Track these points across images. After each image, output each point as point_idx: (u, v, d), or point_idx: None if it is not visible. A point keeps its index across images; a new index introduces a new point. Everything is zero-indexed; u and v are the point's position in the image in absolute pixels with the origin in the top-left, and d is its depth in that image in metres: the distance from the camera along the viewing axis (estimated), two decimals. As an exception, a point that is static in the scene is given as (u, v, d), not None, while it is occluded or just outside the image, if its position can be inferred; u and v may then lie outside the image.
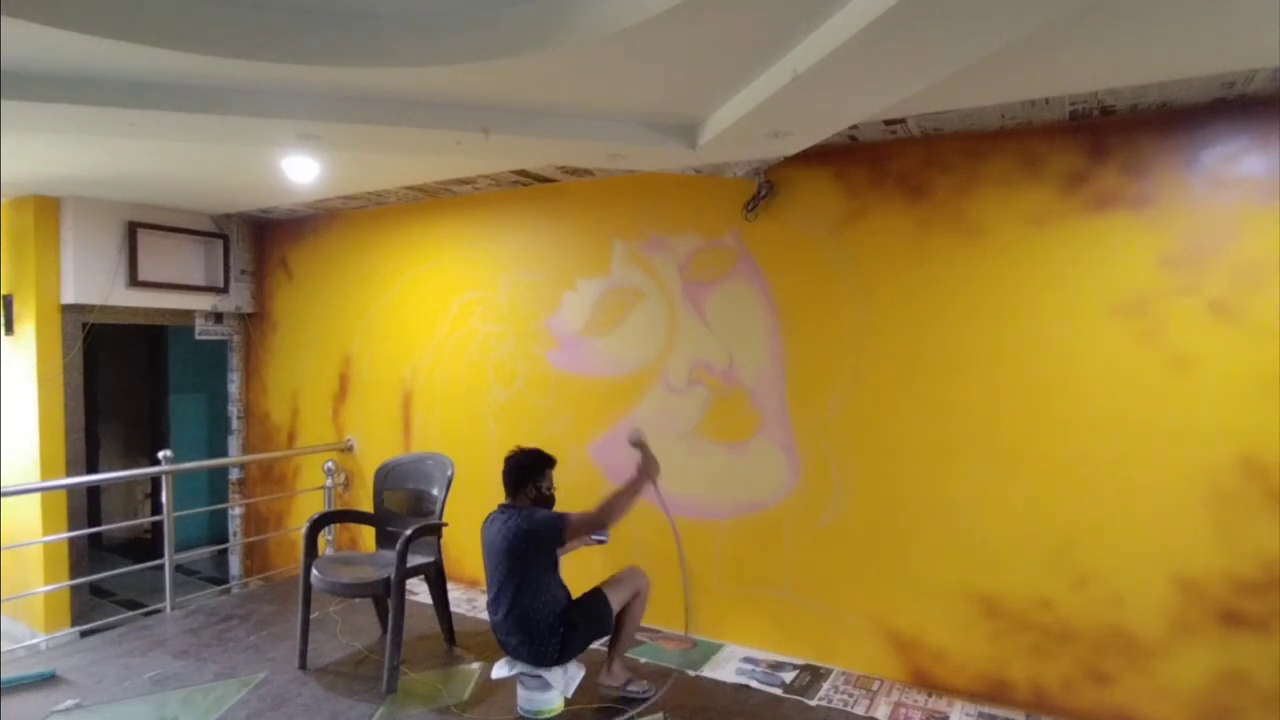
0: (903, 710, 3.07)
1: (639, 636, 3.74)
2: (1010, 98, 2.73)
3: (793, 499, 3.57)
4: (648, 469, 2.94)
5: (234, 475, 5.92)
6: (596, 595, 3.00)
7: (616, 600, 3.02)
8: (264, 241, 5.74)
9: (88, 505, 5.29)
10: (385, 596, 3.31)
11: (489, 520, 3.05)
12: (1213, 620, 2.75)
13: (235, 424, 5.87)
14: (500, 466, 4.48)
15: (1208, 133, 2.75)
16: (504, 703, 3.05)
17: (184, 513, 4.71)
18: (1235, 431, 2.70)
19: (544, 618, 2.85)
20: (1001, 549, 3.10)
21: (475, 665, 3.42)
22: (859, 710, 3.05)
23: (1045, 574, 3.02)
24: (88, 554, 5.09)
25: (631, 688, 3.11)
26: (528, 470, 3.04)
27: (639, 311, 3.93)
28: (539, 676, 2.90)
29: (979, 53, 2.03)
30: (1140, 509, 2.86)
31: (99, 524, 6.10)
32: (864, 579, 3.41)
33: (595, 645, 3.07)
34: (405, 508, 3.71)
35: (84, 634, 4.29)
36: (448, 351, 4.73)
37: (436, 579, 3.53)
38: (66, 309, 4.77)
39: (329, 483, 5.04)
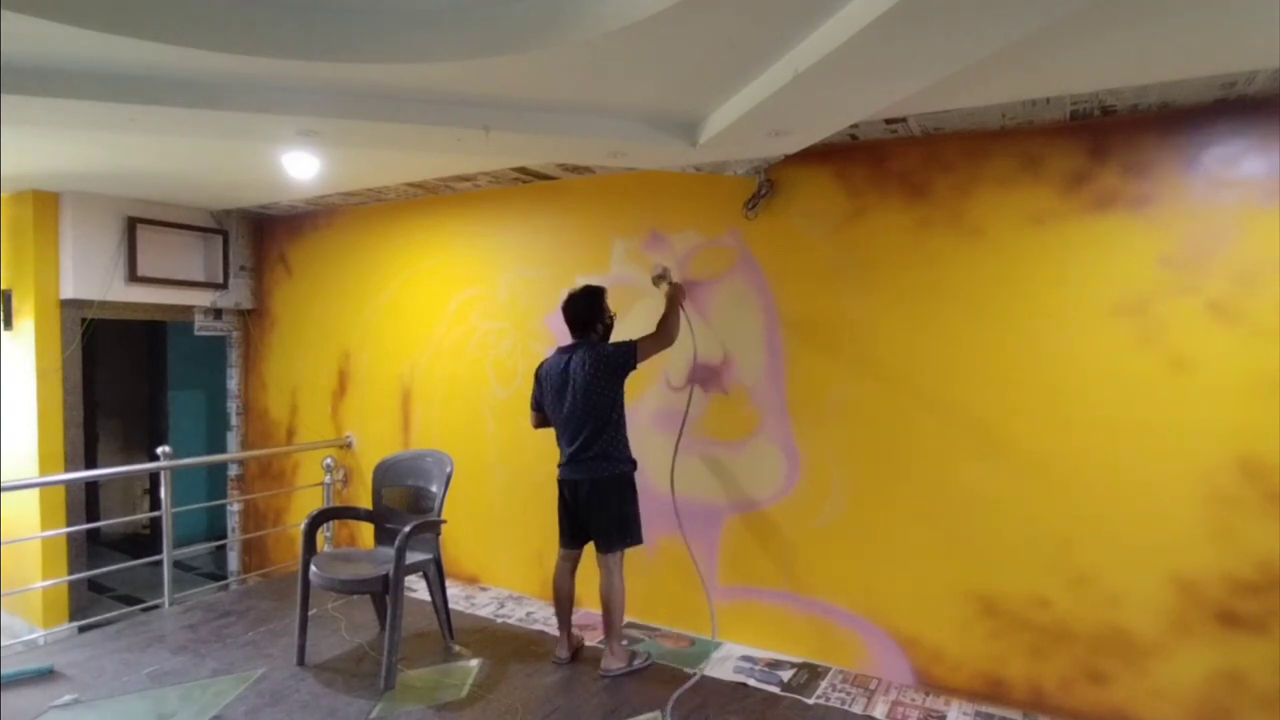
0: (900, 709, 3.07)
1: (634, 634, 3.75)
2: (1011, 97, 2.73)
3: (791, 498, 3.57)
4: (677, 294, 3.49)
5: (233, 471, 5.92)
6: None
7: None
8: (263, 238, 5.74)
9: (86, 501, 5.30)
10: (384, 593, 3.32)
11: (550, 363, 3.39)
12: (1210, 621, 2.75)
13: (234, 420, 5.87)
14: (500, 464, 4.50)
15: (1208, 133, 2.75)
16: (502, 700, 3.05)
17: (182, 508, 4.71)
18: (1234, 432, 2.70)
19: (621, 461, 3.28)
20: (1000, 548, 3.10)
21: (474, 662, 3.42)
22: (857, 709, 3.06)
23: (1043, 573, 3.02)
24: (86, 549, 5.09)
25: (635, 663, 3.35)
26: (594, 306, 3.38)
27: (638, 309, 3.92)
28: None
29: (980, 52, 2.03)
30: (1139, 509, 2.86)
31: (98, 519, 6.09)
32: (862, 578, 3.41)
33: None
34: (404, 504, 3.71)
35: (82, 629, 4.29)
36: (447, 348, 4.73)
37: (435, 576, 3.53)
38: (65, 304, 4.77)
39: (328, 479, 5.04)
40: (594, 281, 3.47)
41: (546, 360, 3.43)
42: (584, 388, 3.22)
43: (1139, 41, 2.23)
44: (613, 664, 3.28)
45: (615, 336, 3.43)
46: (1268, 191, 2.65)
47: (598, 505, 3.26)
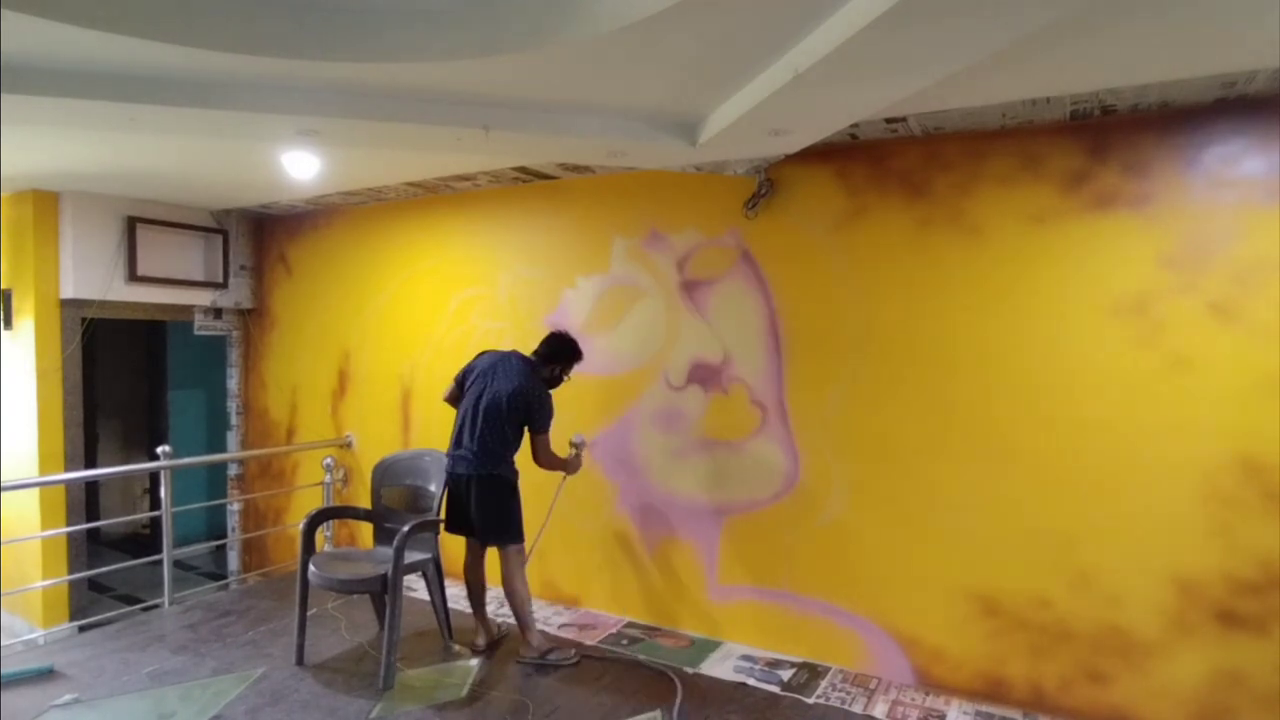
0: (900, 708, 3.07)
1: (635, 633, 3.75)
2: (1011, 97, 2.73)
3: (792, 497, 3.57)
4: (572, 465, 3.54)
5: (233, 471, 5.92)
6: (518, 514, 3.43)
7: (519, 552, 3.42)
8: (263, 237, 5.74)
9: (86, 500, 5.29)
10: (383, 593, 3.31)
11: (494, 356, 3.44)
12: (1210, 620, 2.75)
13: (234, 420, 5.87)
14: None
15: (1208, 133, 2.75)
16: (502, 699, 3.05)
17: (182, 508, 4.71)
18: (1234, 432, 2.70)
19: (504, 464, 3.34)
20: (1000, 548, 3.10)
21: (473, 662, 3.42)
22: (857, 708, 3.06)
23: (1044, 573, 3.02)
24: (86, 549, 5.09)
25: (552, 655, 3.38)
26: (565, 355, 3.47)
27: (639, 309, 3.93)
28: None
29: (980, 52, 2.03)
30: (1139, 509, 2.86)
31: (98, 519, 6.08)
32: (862, 577, 3.41)
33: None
34: (403, 504, 3.71)
35: (82, 629, 4.29)
36: (447, 348, 4.72)
37: (434, 575, 3.53)
38: (65, 304, 4.76)
39: (327, 479, 5.04)
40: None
41: (489, 352, 3.51)
42: (505, 405, 3.31)
43: (1139, 41, 2.23)
44: (528, 653, 3.37)
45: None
46: (1268, 191, 2.65)
47: (480, 500, 3.35)
